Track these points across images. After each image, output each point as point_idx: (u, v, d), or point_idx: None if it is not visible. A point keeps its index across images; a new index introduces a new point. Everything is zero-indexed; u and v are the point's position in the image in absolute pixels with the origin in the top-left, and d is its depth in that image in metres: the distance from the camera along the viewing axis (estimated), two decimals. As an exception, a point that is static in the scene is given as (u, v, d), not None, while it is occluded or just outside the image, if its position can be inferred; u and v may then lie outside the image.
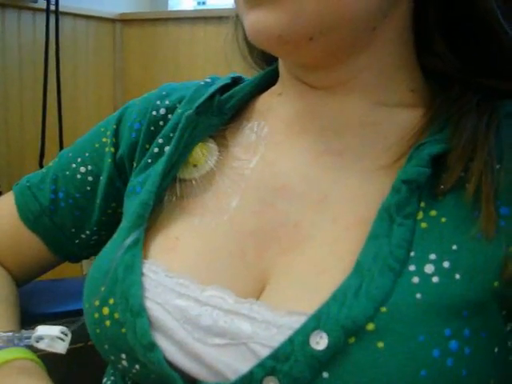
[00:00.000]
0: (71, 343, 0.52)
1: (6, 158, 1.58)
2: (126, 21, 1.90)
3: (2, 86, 1.58)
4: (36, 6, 1.57)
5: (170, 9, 1.95)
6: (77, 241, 0.61)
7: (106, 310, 0.44)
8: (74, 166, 0.59)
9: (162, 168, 0.49)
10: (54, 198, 0.60)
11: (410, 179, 0.39)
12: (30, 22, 1.63)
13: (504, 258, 0.37)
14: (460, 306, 0.37)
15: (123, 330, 0.43)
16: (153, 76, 1.90)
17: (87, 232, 0.60)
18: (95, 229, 0.60)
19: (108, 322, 0.44)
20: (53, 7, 1.52)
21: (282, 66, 0.51)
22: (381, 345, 0.35)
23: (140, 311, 0.42)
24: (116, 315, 0.44)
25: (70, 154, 0.60)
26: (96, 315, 0.45)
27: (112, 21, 1.89)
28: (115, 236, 0.50)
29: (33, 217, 0.60)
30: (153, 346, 0.41)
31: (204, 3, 1.96)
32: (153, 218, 0.48)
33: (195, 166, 0.50)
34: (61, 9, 1.55)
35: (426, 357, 0.36)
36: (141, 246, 0.46)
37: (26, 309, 0.62)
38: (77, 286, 0.79)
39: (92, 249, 0.63)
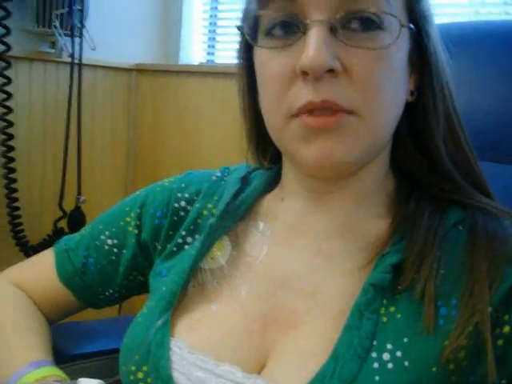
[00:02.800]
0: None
1: (28, 199, 1.66)
2: (140, 70, 2.00)
3: (27, 132, 1.67)
4: (60, 59, 1.67)
5: (180, 61, 2.05)
6: (101, 296, 0.73)
7: (140, 375, 0.56)
8: (102, 237, 0.71)
9: (188, 265, 0.59)
10: (85, 262, 0.72)
11: (375, 283, 0.51)
12: (54, 74, 1.72)
13: (440, 350, 0.47)
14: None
15: None
16: (164, 122, 1.98)
17: (111, 291, 0.73)
18: (117, 289, 0.72)
19: None
20: (76, 60, 1.64)
21: (288, 174, 0.61)
22: None
23: (168, 380, 0.53)
24: (149, 380, 0.55)
25: (101, 227, 0.72)
26: (132, 377, 0.56)
27: (128, 70, 1.98)
28: (145, 311, 0.61)
29: (67, 276, 0.72)
30: None
31: (212, 61, 2.08)
32: (178, 300, 0.59)
33: (213, 259, 0.60)
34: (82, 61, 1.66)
35: None
36: (169, 326, 0.57)
37: (57, 347, 0.72)
38: (99, 328, 0.90)
39: (113, 302, 0.75)
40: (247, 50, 0.59)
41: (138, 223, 0.70)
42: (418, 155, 0.58)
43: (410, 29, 0.53)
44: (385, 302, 0.50)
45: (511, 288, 0.49)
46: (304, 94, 0.50)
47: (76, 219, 1.68)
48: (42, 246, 1.64)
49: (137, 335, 0.59)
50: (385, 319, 0.50)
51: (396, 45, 0.51)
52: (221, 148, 1.79)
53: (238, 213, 0.63)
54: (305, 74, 0.49)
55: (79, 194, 1.69)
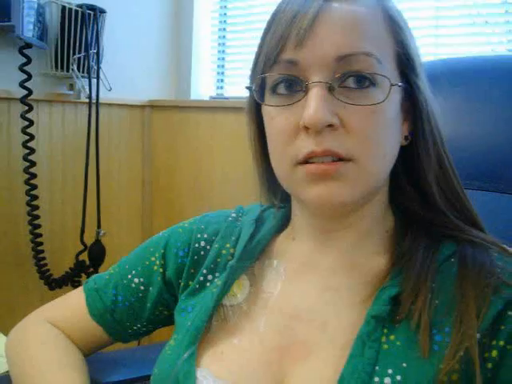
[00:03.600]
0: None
1: (49, 236, 1.72)
2: (153, 106, 2.08)
3: (48, 170, 1.75)
4: (78, 100, 1.77)
5: (192, 96, 2.14)
6: (130, 331, 0.79)
7: None
8: (129, 276, 0.77)
9: (211, 303, 0.66)
10: (114, 299, 0.78)
11: (376, 315, 0.56)
12: (73, 114, 1.81)
13: (436, 373, 0.52)
14: None
15: None
16: (177, 156, 2.06)
17: (138, 325, 0.78)
18: (145, 323, 0.78)
19: None
20: (93, 100, 1.72)
21: (296, 213, 0.68)
22: None
23: None
24: None
25: (127, 266, 0.78)
26: None
27: (141, 107, 2.07)
28: (173, 344, 0.67)
29: (98, 313, 0.78)
30: None
31: (222, 94, 2.16)
32: (203, 334, 0.65)
33: (234, 296, 0.67)
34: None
35: None
36: (195, 358, 0.62)
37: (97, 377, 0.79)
38: (125, 357, 0.96)
39: (140, 336, 0.81)
40: (256, 105, 0.65)
41: (163, 262, 0.75)
42: (413, 193, 0.64)
43: (400, 86, 0.59)
44: (385, 331, 0.56)
45: (497, 315, 0.54)
46: (307, 145, 0.56)
47: (96, 251, 1.75)
48: (65, 278, 1.71)
49: (166, 366, 0.64)
50: (386, 347, 0.55)
51: (388, 100, 0.57)
52: (232, 179, 1.86)
53: (254, 253, 0.69)
54: (307, 128, 0.56)
55: (99, 227, 1.76)
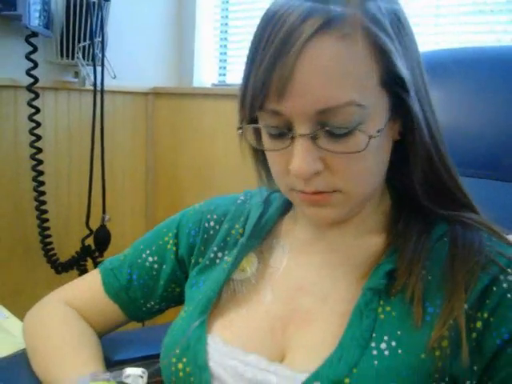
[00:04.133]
0: (150, 378, 0.72)
1: (55, 221, 1.76)
2: (157, 94, 2.11)
3: (54, 157, 1.78)
4: (83, 88, 1.79)
5: (194, 84, 2.16)
6: (144, 308, 0.84)
7: (180, 365, 0.66)
8: (144, 256, 0.82)
9: (223, 276, 0.71)
10: (129, 278, 0.82)
11: (372, 287, 0.61)
12: (77, 102, 1.84)
13: (427, 340, 0.57)
14: (401, 370, 0.56)
15: (192, 379, 0.65)
16: (180, 143, 2.09)
17: (152, 303, 0.83)
18: (158, 301, 0.83)
19: (181, 374, 0.66)
20: (98, 88, 1.75)
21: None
22: None
23: (205, 368, 0.64)
24: (187, 369, 0.65)
25: (141, 246, 0.83)
26: (173, 368, 0.67)
27: (145, 94, 2.10)
28: (184, 315, 0.72)
29: (114, 291, 0.83)
30: None
31: (224, 81, 2.19)
32: (213, 305, 0.70)
33: (243, 271, 0.72)
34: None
35: None
36: (205, 326, 0.67)
37: (107, 355, 0.81)
38: (134, 337, 1.00)
39: (153, 314, 0.86)
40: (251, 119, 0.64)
41: (176, 241, 0.81)
42: (407, 180, 0.67)
43: (379, 134, 0.58)
44: (381, 302, 0.61)
45: (483, 290, 0.59)
46: (298, 185, 0.61)
47: (101, 236, 1.79)
48: (71, 262, 1.75)
49: (177, 334, 0.69)
50: (382, 316, 0.60)
51: (372, 138, 0.58)
52: (235, 165, 1.89)
53: (262, 233, 0.74)
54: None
55: (104, 212, 1.80)
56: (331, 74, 0.55)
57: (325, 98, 0.55)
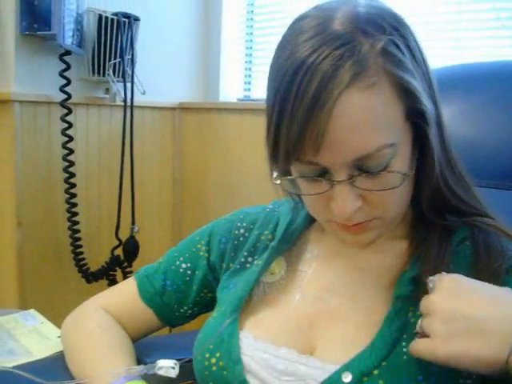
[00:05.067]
0: (184, 380, 0.75)
1: (86, 231, 1.81)
2: (183, 109, 2.16)
3: (85, 170, 1.84)
4: (113, 103, 1.86)
5: (221, 98, 2.21)
6: (177, 313, 0.87)
7: (213, 360, 0.70)
8: (177, 262, 0.86)
9: (253, 278, 0.74)
10: (163, 284, 0.86)
11: (400, 295, 0.65)
12: (108, 117, 1.90)
13: None
14: (431, 364, 0.56)
15: (225, 373, 0.68)
16: (207, 156, 2.13)
17: (185, 308, 0.87)
18: (191, 306, 0.87)
19: (214, 368, 0.69)
20: (128, 103, 1.81)
21: None
22: (381, 382, 0.60)
23: (238, 361, 0.68)
24: (221, 363, 0.69)
25: (176, 254, 0.87)
26: (206, 363, 0.70)
27: (172, 109, 2.15)
28: (216, 315, 0.75)
29: (149, 296, 0.87)
30: (245, 382, 0.66)
31: (249, 96, 2.24)
32: (244, 306, 0.73)
33: (273, 274, 0.76)
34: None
35: None
36: (238, 322, 0.71)
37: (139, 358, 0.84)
38: (166, 342, 1.04)
39: (186, 319, 0.89)
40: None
41: (208, 248, 0.85)
42: (426, 191, 0.69)
43: (411, 173, 0.65)
44: (411, 308, 0.64)
45: None
46: (339, 220, 0.64)
47: (130, 247, 1.84)
48: (101, 272, 1.80)
49: (210, 331, 0.73)
50: (412, 320, 0.63)
51: (404, 170, 0.62)
52: (261, 178, 1.92)
53: (292, 238, 0.78)
54: None
55: (133, 224, 1.85)
56: (363, 124, 0.57)
57: (359, 148, 0.58)
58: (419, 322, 0.59)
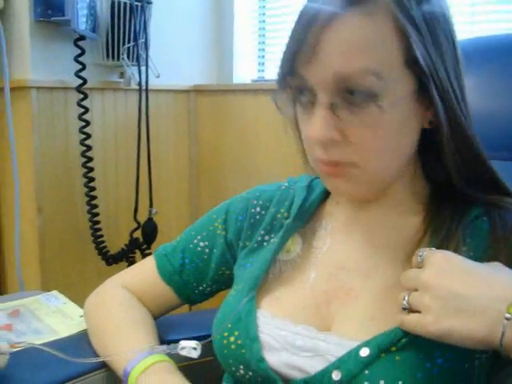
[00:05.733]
0: (204, 357, 0.76)
1: (105, 214, 1.84)
2: (198, 91, 2.17)
3: (102, 153, 1.86)
4: (128, 87, 1.87)
5: (234, 80, 2.22)
6: (196, 291, 0.89)
7: (231, 338, 0.71)
8: (195, 241, 0.88)
9: (269, 256, 0.75)
10: (182, 262, 0.88)
11: None
12: (123, 101, 1.91)
13: None
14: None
15: (243, 351, 0.69)
16: (222, 138, 2.14)
17: (204, 285, 0.88)
18: (209, 283, 0.88)
19: (233, 346, 0.70)
20: (143, 87, 1.81)
21: None
22: (398, 358, 0.61)
23: (256, 338, 0.69)
24: (239, 341, 0.70)
25: (193, 233, 0.89)
26: (225, 341, 0.72)
27: (187, 91, 2.16)
28: (233, 293, 0.77)
29: (168, 274, 0.88)
30: (263, 359, 0.67)
31: (263, 77, 2.24)
32: (261, 283, 0.75)
33: (288, 252, 0.77)
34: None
35: (422, 366, 0.60)
36: (255, 301, 0.72)
37: (160, 335, 0.86)
38: (185, 320, 1.06)
39: (205, 296, 0.91)
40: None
41: (225, 226, 0.86)
42: (439, 167, 0.70)
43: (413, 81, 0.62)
44: None
45: None
46: (318, 153, 0.65)
47: (149, 229, 1.86)
48: (121, 254, 1.83)
49: (228, 309, 0.74)
50: None
51: (390, 114, 0.61)
52: (276, 158, 1.94)
53: (306, 215, 0.79)
54: None
55: (151, 206, 1.88)
56: (351, 44, 0.60)
57: (343, 64, 0.60)
58: (405, 296, 0.60)
